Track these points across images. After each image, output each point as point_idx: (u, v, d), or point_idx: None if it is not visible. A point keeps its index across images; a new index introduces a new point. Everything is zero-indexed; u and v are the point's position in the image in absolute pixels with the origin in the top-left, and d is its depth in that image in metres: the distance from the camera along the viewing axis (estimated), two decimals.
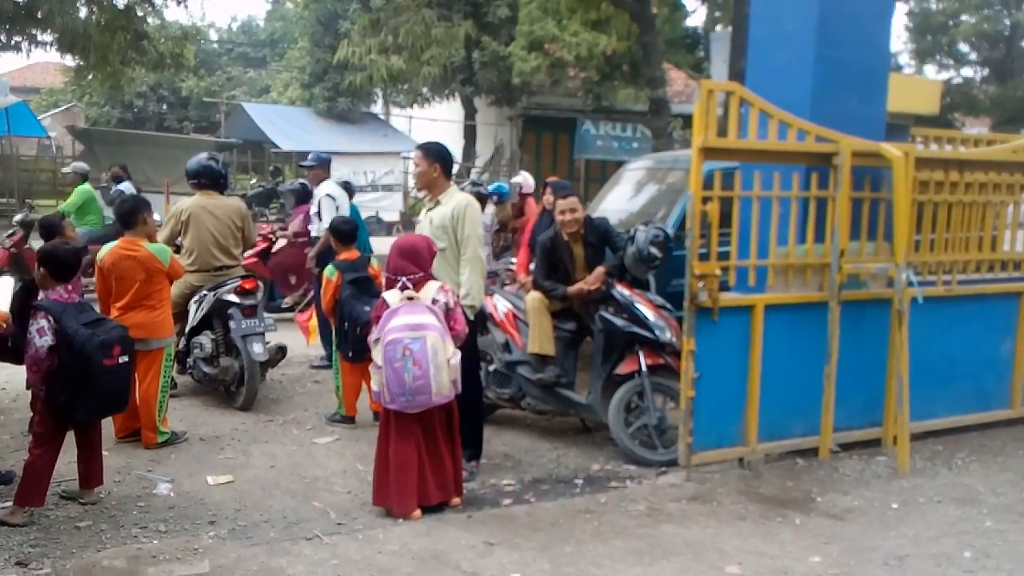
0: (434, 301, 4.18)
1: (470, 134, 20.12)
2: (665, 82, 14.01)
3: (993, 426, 5.74)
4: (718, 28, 18.44)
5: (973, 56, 24.55)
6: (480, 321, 5.51)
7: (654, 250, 5.22)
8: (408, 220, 17.97)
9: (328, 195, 7.16)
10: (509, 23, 16.64)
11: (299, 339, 7.51)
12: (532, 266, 6.28)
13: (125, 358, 4.14)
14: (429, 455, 4.20)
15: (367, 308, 5.08)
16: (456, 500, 4.30)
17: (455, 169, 18.69)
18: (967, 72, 25.31)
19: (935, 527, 4.19)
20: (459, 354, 4.18)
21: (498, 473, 4.87)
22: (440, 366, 4.03)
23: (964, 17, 23.06)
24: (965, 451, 5.33)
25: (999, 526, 4.22)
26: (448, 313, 4.21)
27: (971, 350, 5.72)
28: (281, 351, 6.31)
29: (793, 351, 5.04)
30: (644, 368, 5.06)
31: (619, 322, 5.14)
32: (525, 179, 9.55)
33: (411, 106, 20.40)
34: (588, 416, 5.47)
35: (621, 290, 5.23)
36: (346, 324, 5.46)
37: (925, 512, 4.38)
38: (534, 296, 5.46)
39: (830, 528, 4.14)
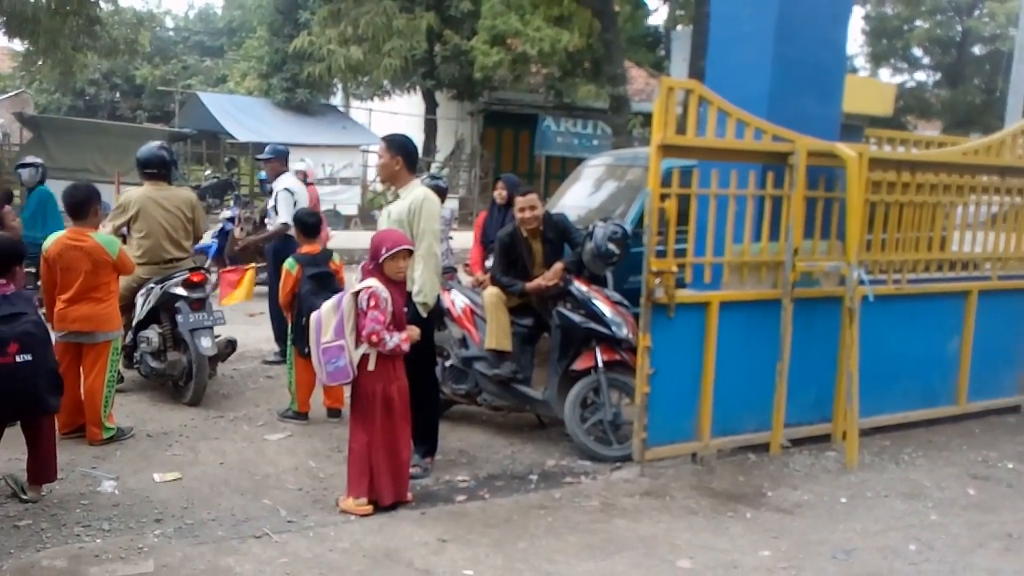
0: (356, 293, 4.14)
1: (431, 128, 20.02)
2: (626, 80, 14.08)
3: (939, 422, 5.87)
4: (679, 27, 18.57)
5: (926, 60, 25.10)
6: (437, 316, 5.48)
7: (612, 246, 5.23)
8: (367, 214, 17.83)
9: (286, 189, 7.06)
10: (471, 17, 16.58)
11: (251, 333, 7.43)
12: (488, 263, 6.27)
13: (26, 357, 3.88)
14: (378, 450, 4.17)
15: None
16: (389, 499, 4.23)
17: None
18: (920, 76, 25.87)
19: (882, 521, 4.26)
20: (337, 346, 4.08)
21: (453, 469, 4.84)
22: (312, 346, 4.20)
23: (918, 23, 23.55)
24: (912, 446, 5.44)
25: (943, 519, 4.32)
26: (362, 312, 4.12)
27: (919, 347, 5.83)
28: (231, 345, 6.20)
29: (747, 348, 5.09)
30: (600, 364, 5.07)
31: (576, 318, 5.14)
32: (308, 166, 9.40)
33: (371, 99, 20.22)
34: (544, 412, 5.47)
35: (579, 286, 5.24)
36: (304, 319, 5.38)
37: (872, 506, 4.46)
38: (492, 292, 5.44)
39: (780, 522, 4.19)
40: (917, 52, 24.75)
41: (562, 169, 18.64)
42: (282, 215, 6.92)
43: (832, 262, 5.23)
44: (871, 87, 20.72)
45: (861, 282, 5.08)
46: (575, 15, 14.17)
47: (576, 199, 7.66)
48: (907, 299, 5.73)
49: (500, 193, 6.85)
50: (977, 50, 23.41)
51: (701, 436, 4.98)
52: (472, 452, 5.18)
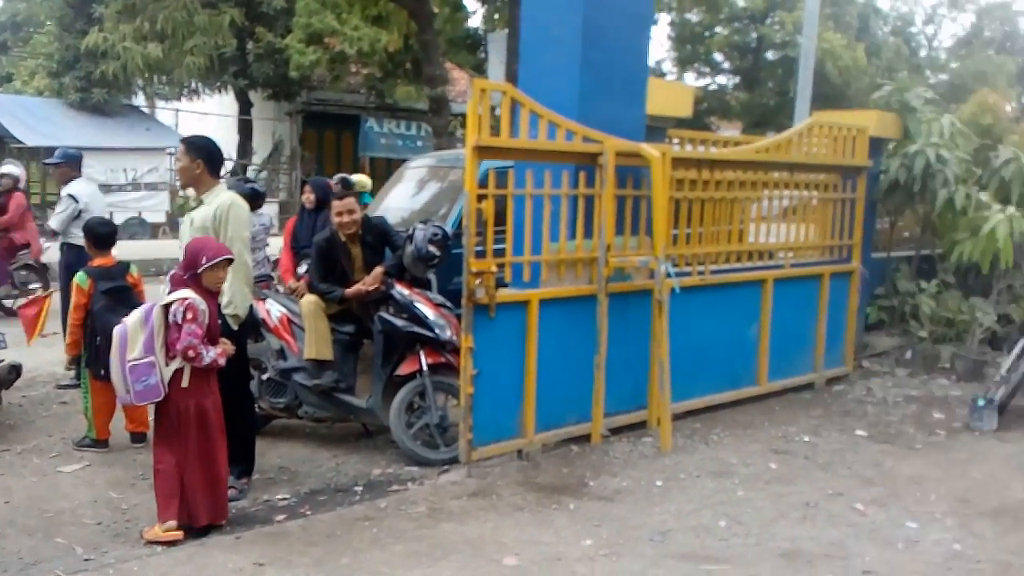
0: (166, 306, 3.91)
1: (246, 129, 19.16)
2: (445, 80, 14.11)
3: (743, 402, 6.30)
4: (495, 30, 18.86)
5: (726, 65, 26.91)
6: (252, 328, 5.23)
7: (433, 249, 5.20)
8: (176, 221, 16.80)
9: (69, 195, 6.57)
10: (285, 14, 16.02)
11: (43, 355, 6.78)
12: (300, 269, 6.05)
13: None
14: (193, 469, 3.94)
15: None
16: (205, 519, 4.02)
17: (229, 166, 17.56)
18: (721, 79, 27.68)
19: (694, 500, 4.50)
20: (146, 363, 3.85)
21: (272, 488, 4.63)
22: (114, 363, 3.92)
23: (718, 29, 25.20)
24: (720, 427, 5.79)
25: (749, 494, 4.62)
26: (175, 325, 3.90)
27: (723, 334, 6.23)
28: (15, 371, 5.59)
29: (566, 343, 5.23)
30: (425, 368, 5.03)
31: (399, 322, 5.07)
32: (11, 170, 9.06)
33: (178, 99, 19.05)
34: (369, 420, 5.36)
35: (401, 290, 5.17)
36: (99, 339, 4.95)
37: (686, 487, 4.69)
38: (309, 299, 5.26)
39: (601, 510, 4.32)
40: (718, 57, 26.46)
41: (387, 171, 18.36)
42: (53, 221, 6.62)
43: (642, 257, 5.47)
44: (672, 90, 21.84)
45: (668, 275, 5.34)
46: (392, 15, 14.05)
47: (399, 201, 7.58)
48: (711, 289, 6.10)
49: (308, 197, 6.63)
50: (771, 55, 25.35)
51: (526, 432, 5.05)
52: (293, 468, 4.98)
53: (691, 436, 5.55)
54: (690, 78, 26.84)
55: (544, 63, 5.62)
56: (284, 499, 4.49)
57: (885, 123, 7.63)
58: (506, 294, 4.98)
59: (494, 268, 4.80)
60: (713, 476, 4.86)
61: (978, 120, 8.56)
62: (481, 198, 4.86)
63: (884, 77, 10.94)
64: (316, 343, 5.18)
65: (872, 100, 8.14)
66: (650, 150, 5.34)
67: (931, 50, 27.21)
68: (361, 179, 8.14)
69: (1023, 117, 18.73)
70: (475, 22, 20.55)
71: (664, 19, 25.08)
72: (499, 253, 5.05)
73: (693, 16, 25.90)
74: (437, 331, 5.06)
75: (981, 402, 5.97)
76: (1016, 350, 6.14)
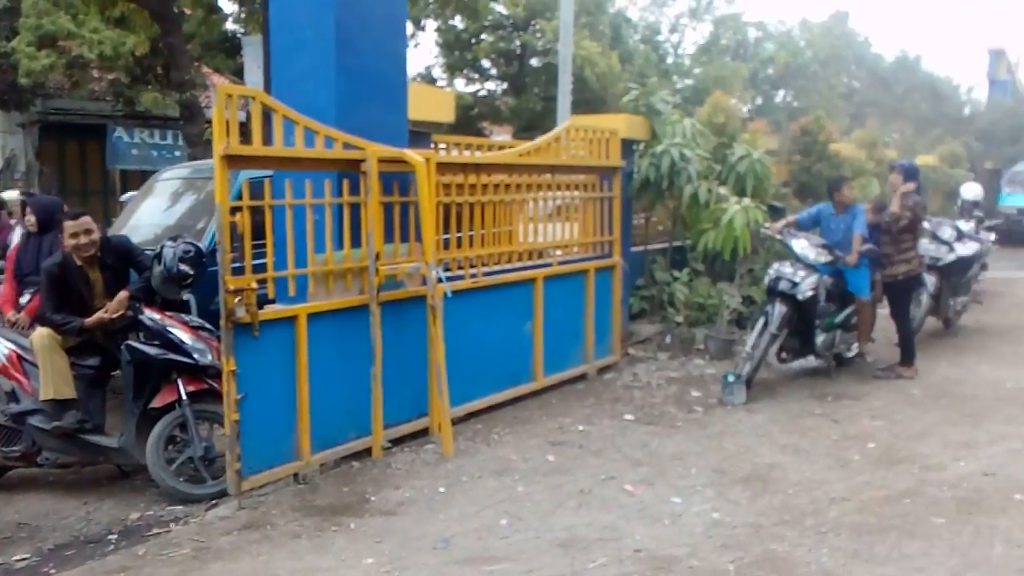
0: None
1: None
2: (196, 86, 13.33)
3: (522, 399, 6.45)
4: (252, 33, 18.08)
5: (494, 71, 27.71)
6: None
7: (184, 267, 4.84)
8: None
9: None
10: (9, 15, 14.32)
11: None
12: (22, 299, 5.42)
13: None
14: None
15: None
16: None
17: None
18: (491, 85, 28.47)
19: (477, 502, 4.52)
20: None
21: (8, 548, 4.09)
22: None
23: (484, 36, 25.88)
24: (500, 426, 5.88)
25: (528, 489, 4.71)
26: None
27: (500, 334, 6.35)
28: None
29: (340, 357, 5.07)
30: (184, 396, 4.67)
31: (151, 350, 4.67)
32: None
33: None
34: (123, 461, 4.88)
35: (151, 315, 4.77)
36: None
37: (468, 490, 4.70)
38: (42, 333, 4.70)
39: (383, 525, 4.22)
40: (486, 63, 27.18)
41: (142, 184, 17.03)
42: None
43: (412, 263, 5.43)
44: (434, 95, 22.13)
45: (440, 280, 5.34)
46: (134, 16, 13.01)
47: (149, 217, 7.03)
48: (484, 291, 6.18)
49: (29, 219, 5.91)
50: (535, 62, 26.43)
51: (302, 454, 4.83)
52: (34, 523, 4.42)
53: (473, 438, 5.59)
54: (460, 84, 27.36)
55: (298, 68, 5.43)
56: (23, 559, 3.97)
57: (634, 125, 8.16)
58: (270, 311, 4.74)
59: (254, 284, 4.54)
60: (495, 475, 4.91)
61: (713, 120, 9.41)
62: (236, 211, 4.59)
63: (637, 82, 11.72)
64: (53, 381, 4.63)
65: (622, 104, 8.68)
66: (414, 155, 5.31)
67: (677, 57, 29.70)
68: (12, 196, 7.47)
69: (755, 117, 20.95)
70: (233, 25, 19.59)
71: (431, 25, 25.32)
72: (262, 268, 4.79)
73: (458, 23, 26.37)
74: (196, 356, 4.72)
75: (731, 378, 6.53)
76: (756, 328, 6.78)
